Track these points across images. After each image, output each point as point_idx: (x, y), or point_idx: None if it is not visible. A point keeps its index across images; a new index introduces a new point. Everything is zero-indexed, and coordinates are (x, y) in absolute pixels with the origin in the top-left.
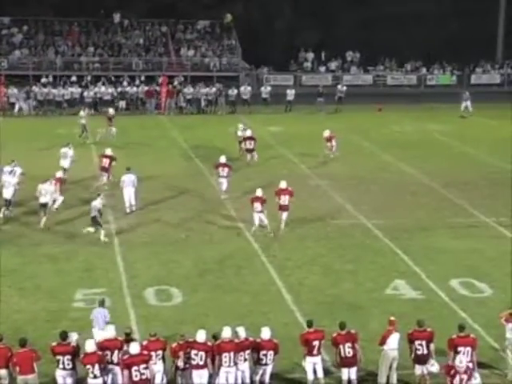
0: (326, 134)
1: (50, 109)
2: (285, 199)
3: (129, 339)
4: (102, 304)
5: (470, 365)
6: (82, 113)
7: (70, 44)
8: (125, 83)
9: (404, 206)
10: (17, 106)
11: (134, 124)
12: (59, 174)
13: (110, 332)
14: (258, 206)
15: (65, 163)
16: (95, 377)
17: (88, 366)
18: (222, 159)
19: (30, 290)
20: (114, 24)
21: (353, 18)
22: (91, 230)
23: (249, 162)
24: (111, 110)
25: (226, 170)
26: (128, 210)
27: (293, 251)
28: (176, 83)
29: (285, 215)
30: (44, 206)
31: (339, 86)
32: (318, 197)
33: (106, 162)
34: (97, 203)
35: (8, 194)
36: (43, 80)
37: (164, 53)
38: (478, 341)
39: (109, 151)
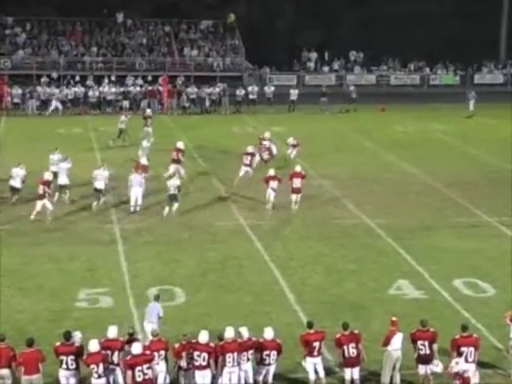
0: (290, 140)
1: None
2: (297, 182)
3: (132, 339)
4: (157, 299)
5: (471, 367)
6: (123, 117)
7: (73, 44)
8: (128, 82)
9: (407, 206)
10: (52, 106)
11: (137, 124)
12: (144, 161)
13: (112, 332)
14: (274, 184)
15: (140, 154)
16: (99, 376)
17: (92, 366)
18: (250, 149)
19: (32, 290)
20: (117, 24)
21: (356, 17)
22: (168, 209)
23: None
24: (148, 111)
25: (249, 158)
26: (132, 209)
27: (295, 251)
28: (180, 82)
29: (296, 197)
30: (98, 190)
31: (352, 87)
32: (320, 196)
33: (174, 154)
34: (175, 182)
35: (63, 180)
36: (43, 79)
37: (167, 53)
38: (481, 341)
39: (180, 144)
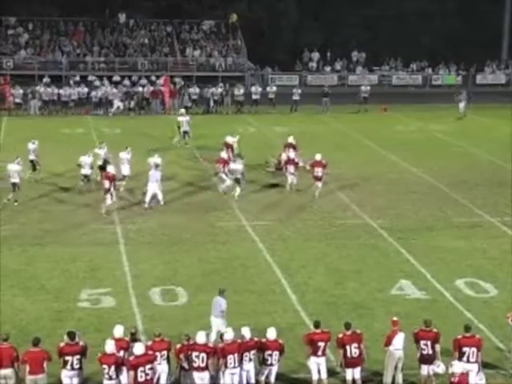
0: (291, 139)
1: (56, 109)
2: (318, 170)
3: (133, 339)
4: (221, 293)
5: (473, 367)
6: (182, 118)
7: (75, 44)
8: (127, 83)
9: (409, 206)
10: (115, 106)
11: (139, 124)
12: (223, 155)
13: (118, 331)
14: (291, 168)
15: (223, 152)
16: (110, 378)
17: (104, 367)
18: (290, 139)
19: (34, 290)
20: (120, 24)
21: (358, 17)
22: (238, 191)
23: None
24: (182, 110)
25: (291, 149)
26: (146, 206)
27: (297, 251)
28: (182, 82)
29: (319, 185)
30: None
31: (363, 87)
32: (322, 196)
33: (225, 150)
34: (239, 166)
35: (125, 170)
36: (45, 80)
37: (169, 53)
38: (484, 341)
39: (229, 139)
